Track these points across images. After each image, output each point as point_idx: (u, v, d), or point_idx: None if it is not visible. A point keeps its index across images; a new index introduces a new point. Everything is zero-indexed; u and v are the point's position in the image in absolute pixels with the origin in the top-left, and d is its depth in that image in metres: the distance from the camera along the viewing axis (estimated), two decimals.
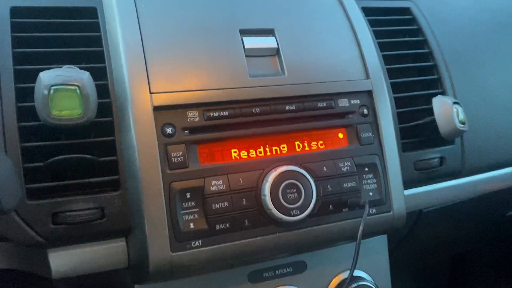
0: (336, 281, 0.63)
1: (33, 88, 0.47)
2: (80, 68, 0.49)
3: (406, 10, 0.74)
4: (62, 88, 0.47)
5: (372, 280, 0.64)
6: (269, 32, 0.59)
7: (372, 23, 0.67)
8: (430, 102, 0.66)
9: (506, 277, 1.17)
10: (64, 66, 0.49)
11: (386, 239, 0.68)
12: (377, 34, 0.67)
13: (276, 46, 0.58)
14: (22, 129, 0.49)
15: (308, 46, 0.60)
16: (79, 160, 0.50)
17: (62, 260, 0.52)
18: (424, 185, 0.68)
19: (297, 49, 0.59)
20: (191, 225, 0.50)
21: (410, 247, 0.87)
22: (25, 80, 0.51)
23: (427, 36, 0.71)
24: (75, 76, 0.48)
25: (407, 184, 0.63)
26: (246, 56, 0.56)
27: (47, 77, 0.47)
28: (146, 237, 0.49)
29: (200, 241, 0.50)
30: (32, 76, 0.48)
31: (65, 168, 0.50)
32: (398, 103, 0.65)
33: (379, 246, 0.68)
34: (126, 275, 0.57)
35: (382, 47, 0.67)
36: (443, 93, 0.68)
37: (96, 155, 0.51)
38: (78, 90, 0.47)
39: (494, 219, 0.94)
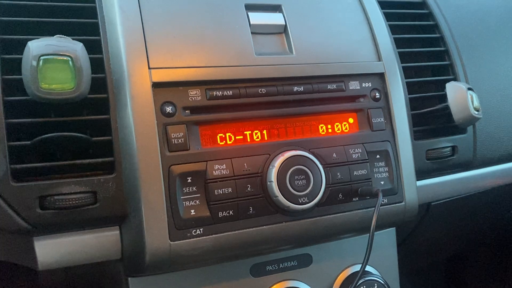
0: (343, 275, 0.60)
1: (20, 59, 0.43)
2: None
3: None
4: (53, 59, 0.43)
5: (380, 275, 0.61)
6: (276, 8, 0.55)
7: (382, 6, 0.64)
8: (441, 89, 0.63)
9: (499, 281, 1.15)
10: (56, 36, 0.44)
11: (394, 233, 0.65)
12: (387, 17, 0.64)
13: (283, 23, 0.54)
14: (8, 104, 0.45)
15: (317, 24, 0.56)
16: (70, 139, 0.45)
17: (49, 250, 0.48)
18: (434, 176, 0.65)
19: (305, 27, 0.55)
20: (192, 212, 0.46)
21: (414, 245, 0.84)
22: (11, 50, 0.47)
23: (438, 21, 0.68)
24: (68, 46, 0.44)
25: (418, 175, 0.60)
26: (252, 33, 0.53)
27: (36, 46, 0.43)
28: (143, 224, 0.45)
29: (201, 229, 0.46)
30: (20, 47, 0.44)
31: (54, 148, 0.46)
32: (409, 89, 0.62)
33: (387, 240, 0.65)
34: (119, 267, 0.52)
35: (393, 30, 0.64)
36: (455, 79, 0.65)
37: (89, 134, 0.47)
38: (70, 62, 0.43)
39: (500, 216, 0.92)
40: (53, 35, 0.46)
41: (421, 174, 0.62)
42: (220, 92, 0.49)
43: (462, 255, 1.19)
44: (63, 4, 0.50)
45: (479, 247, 1.15)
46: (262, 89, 0.51)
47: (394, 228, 0.64)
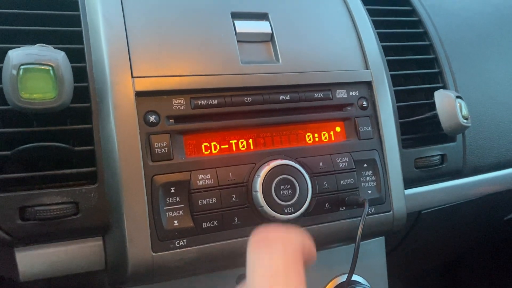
0: (331, 285, 0.59)
1: (0, 69, 0.43)
2: (55, 49, 0.45)
3: (406, 1, 0.71)
4: (34, 68, 0.42)
5: (368, 285, 0.60)
6: (262, 16, 0.55)
7: (370, 13, 0.64)
8: (430, 97, 0.62)
9: (496, 286, 1.15)
10: (37, 45, 0.44)
11: (383, 242, 0.64)
12: (376, 24, 0.63)
13: (270, 31, 0.54)
14: None
15: (304, 32, 0.56)
16: (51, 149, 0.45)
17: (31, 261, 0.47)
18: (424, 185, 0.64)
19: (292, 35, 0.55)
20: (175, 223, 0.46)
21: (405, 253, 0.84)
22: None
23: (427, 28, 0.68)
24: (49, 55, 0.43)
25: (407, 183, 0.59)
26: (237, 41, 0.52)
27: (16, 55, 0.42)
28: (125, 235, 0.44)
29: (185, 240, 0.46)
30: (0, 56, 0.44)
31: (36, 158, 0.46)
32: (397, 97, 0.61)
33: (376, 249, 0.64)
34: (103, 277, 0.52)
35: (381, 37, 0.63)
36: (444, 87, 0.65)
37: (71, 144, 0.46)
38: (51, 71, 0.42)
39: (492, 223, 0.92)
40: (35, 43, 0.45)
41: (410, 182, 0.61)
42: (205, 101, 0.49)
43: (455, 263, 1.19)
44: (46, 12, 0.50)
45: (472, 254, 1.14)
46: (248, 98, 0.51)
47: (383, 237, 0.63)
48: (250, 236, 0.27)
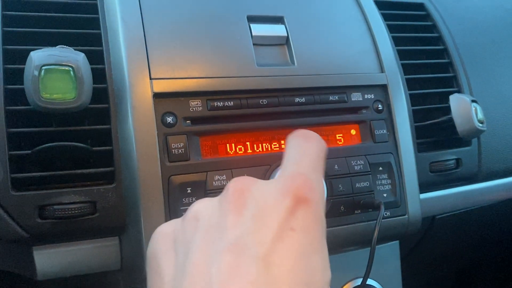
0: None
1: (23, 70, 0.43)
2: (76, 50, 0.45)
3: (420, 6, 0.71)
4: (55, 69, 0.43)
5: None
6: (278, 20, 0.55)
7: (385, 17, 0.64)
8: (444, 101, 0.62)
9: None
10: (58, 46, 0.45)
11: (398, 246, 0.64)
12: (390, 29, 0.64)
13: (285, 34, 0.54)
14: (9, 113, 0.45)
15: (319, 36, 0.56)
16: (70, 149, 0.45)
17: (48, 260, 0.47)
18: (438, 189, 0.64)
19: (307, 38, 0.55)
20: None
21: (419, 258, 0.83)
22: (14, 61, 0.47)
23: (442, 33, 0.68)
24: (69, 56, 0.44)
25: (422, 188, 0.59)
26: (253, 44, 0.53)
27: (38, 56, 0.43)
28: (142, 235, 0.44)
29: None
30: (23, 57, 0.44)
31: (55, 158, 0.46)
32: (412, 101, 0.61)
33: (390, 254, 0.63)
34: (118, 277, 0.52)
35: (396, 41, 0.63)
36: (459, 91, 0.65)
37: (90, 144, 0.47)
38: (72, 72, 0.43)
39: (508, 229, 0.90)
40: (56, 45, 0.46)
41: (425, 186, 0.61)
42: (221, 103, 0.49)
43: (470, 270, 1.17)
44: (67, 15, 0.51)
45: (488, 262, 1.13)
46: (264, 100, 0.51)
47: (398, 241, 0.63)
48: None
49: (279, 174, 0.28)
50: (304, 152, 0.29)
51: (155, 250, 0.29)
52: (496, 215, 0.79)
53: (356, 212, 0.52)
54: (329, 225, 0.50)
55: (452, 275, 1.17)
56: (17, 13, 0.49)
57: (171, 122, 0.47)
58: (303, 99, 0.52)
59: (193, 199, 0.46)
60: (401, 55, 0.63)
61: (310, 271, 0.24)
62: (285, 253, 0.24)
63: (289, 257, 0.24)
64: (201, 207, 0.28)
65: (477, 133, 0.59)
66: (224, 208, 0.26)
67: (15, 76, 0.46)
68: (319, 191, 0.27)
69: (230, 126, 0.49)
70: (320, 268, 0.25)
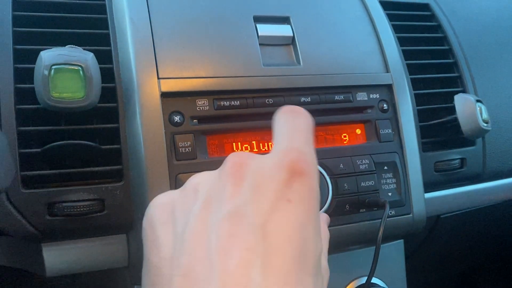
0: (350, 287, 0.59)
1: (33, 69, 0.44)
2: (85, 50, 0.46)
3: (425, 6, 0.71)
4: (64, 68, 0.43)
5: None
6: (284, 20, 0.56)
7: (390, 18, 0.64)
8: (449, 101, 0.63)
9: None
10: (67, 46, 0.46)
11: (402, 245, 0.64)
12: (396, 29, 0.64)
13: (291, 34, 0.55)
14: (20, 112, 0.46)
15: (325, 36, 0.57)
16: (79, 147, 0.46)
17: (57, 257, 0.48)
18: (443, 189, 0.64)
19: (313, 38, 0.56)
20: None
21: (423, 258, 0.83)
22: (25, 60, 0.48)
23: (447, 33, 0.68)
24: (79, 56, 0.44)
25: (426, 187, 0.59)
26: (260, 44, 0.53)
27: (48, 56, 0.43)
28: None
29: None
30: (33, 57, 0.45)
31: (64, 156, 0.47)
32: (417, 100, 0.62)
33: (395, 253, 0.64)
34: (125, 274, 0.53)
35: (401, 42, 0.64)
36: (463, 91, 0.65)
37: (98, 142, 0.47)
38: (81, 71, 0.44)
39: (511, 229, 0.90)
40: (65, 45, 0.47)
41: (429, 186, 0.61)
42: (228, 102, 0.50)
43: (475, 270, 1.17)
44: (76, 15, 0.51)
45: (492, 262, 1.13)
46: (269, 100, 0.51)
47: (402, 240, 0.63)
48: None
49: (273, 148, 0.29)
50: (294, 127, 0.29)
51: (153, 221, 0.30)
52: (501, 215, 0.80)
53: (361, 211, 0.53)
54: (334, 223, 0.51)
55: (457, 275, 1.18)
56: (27, 13, 0.50)
57: (178, 121, 0.48)
58: (309, 98, 0.53)
59: None
60: (406, 55, 0.63)
61: (304, 241, 0.25)
62: (282, 223, 0.25)
63: (285, 227, 0.25)
64: (201, 180, 0.29)
65: (481, 132, 0.59)
66: (223, 180, 0.27)
67: (26, 75, 0.47)
68: (313, 163, 0.28)
69: (236, 125, 0.50)
70: (314, 238, 0.26)
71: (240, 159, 0.28)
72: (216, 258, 0.23)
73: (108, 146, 0.48)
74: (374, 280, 0.61)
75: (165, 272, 0.27)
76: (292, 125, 0.30)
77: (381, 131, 0.55)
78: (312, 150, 0.29)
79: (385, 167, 0.55)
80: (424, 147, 0.61)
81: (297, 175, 0.26)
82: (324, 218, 0.45)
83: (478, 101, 0.60)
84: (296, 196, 0.26)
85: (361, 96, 0.55)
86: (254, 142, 0.51)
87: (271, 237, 0.24)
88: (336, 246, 0.54)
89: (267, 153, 0.50)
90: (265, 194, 0.26)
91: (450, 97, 0.62)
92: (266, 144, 0.51)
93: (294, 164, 0.26)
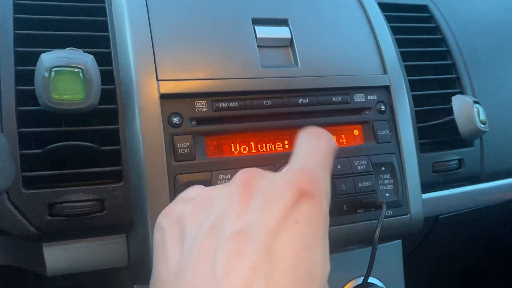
0: (348, 287, 0.59)
1: (33, 71, 0.45)
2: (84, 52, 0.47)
3: (423, 8, 0.71)
4: (64, 71, 0.44)
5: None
6: (282, 22, 0.56)
7: (388, 19, 0.65)
8: (447, 102, 0.63)
9: None
10: (67, 48, 0.46)
11: (400, 245, 0.65)
12: (393, 30, 0.64)
13: (289, 36, 0.55)
14: (21, 114, 0.46)
15: (323, 38, 0.57)
16: (79, 148, 0.47)
17: (57, 256, 0.49)
18: (441, 189, 0.65)
19: (311, 40, 0.56)
20: None
21: (422, 259, 0.84)
22: (25, 62, 0.48)
23: (445, 34, 0.69)
24: (79, 58, 0.45)
25: (424, 187, 0.60)
26: (258, 46, 0.54)
27: (48, 58, 0.44)
28: (148, 232, 0.46)
29: None
30: (33, 59, 0.46)
31: (64, 157, 0.47)
32: (415, 102, 0.62)
33: (393, 253, 0.64)
34: (125, 274, 0.53)
35: (399, 43, 0.64)
36: (461, 92, 0.65)
37: (98, 144, 0.48)
38: (81, 73, 0.44)
39: (509, 229, 0.91)
40: (65, 47, 0.47)
41: (427, 187, 0.62)
42: (226, 104, 0.50)
43: (473, 271, 1.17)
44: (76, 18, 0.52)
45: (491, 262, 1.13)
46: (268, 101, 0.52)
47: (400, 240, 0.64)
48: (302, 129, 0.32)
49: (287, 168, 0.29)
50: (313, 149, 0.30)
51: (164, 234, 0.30)
52: (498, 215, 0.80)
53: (358, 211, 0.53)
54: (331, 224, 0.52)
55: (455, 276, 1.18)
56: (28, 16, 0.51)
57: (177, 122, 0.48)
58: (307, 100, 0.53)
59: None
60: (404, 56, 0.64)
61: (311, 262, 0.25)
62: (288, 244, 0.25)
63: (291, 248, 0.25)
64: (211, 195, 0.29)
65: (479, 134, 0.60)
66: (233, 197, 0.27)
67: (26, 77, 0.48)
68: (324, 187, 0.28)
69: (234, 127, 0.51)
70: (321, 261, 0.26)
71: (250, 176, 0.28)
72: (220, 276, 0.23)
73: (107, 147, 0.48)
74: (373, 280, 0.62)
75: (170, 286, 0.27)
76: (311, 147, 0.30)
77: (379, 132, 0.56)
78: (327, 174, 0.29)
79: (383, 168, 0.55)
80: (422, 148, 0.62)
81: (306, 197, 0.26)
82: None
83: (475, 102, 0.60)
84: (304, 217, 0.26)
85: (359, 98, 0.56)
86: (252, 143, 0.51)
87: (277, 257, 0.24)
88: (334, 246, 0.54)
89: (265, 154, 0.51)
90: (272, 213, 0.25)
91: (447, 98, 0.63)
92: (264, 145, 0.52)
93: (304, 184, 0.26)
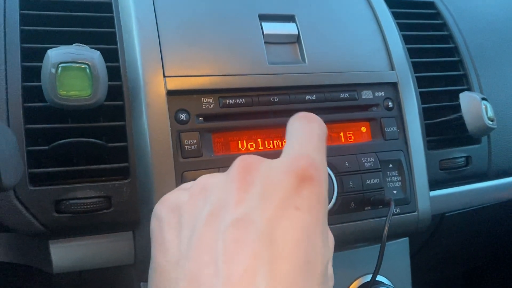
0: (355, 285, 0.59)
1: (40, 67, 0.44)
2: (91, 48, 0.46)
3: (430, 4, 0.71)
4: (71, 67, 0.44)
5: (392, 285, 0.60)
6: (289, 18, 0.56)
7: (395, 16, 0.64)
8: (454, 99, 0.63)
9: None
10: (74, 44, 0.46)
11: (407, 243, 0.64)
12: (401, 27, 0.64)
13: (296, 33, 0.55)
14: (27, 110, 0.46)
15: (330, 34, 0.57)
16: (86, 145, 0.46)
17: (64, 253, 0.49)
18: (448, 187, 0.64)
19: (318, 37, 0.56)
20: None
21: (428, 256, 0.83)
22: (32, 59, 0.48)
23: (452, 31, 0.68)
24: (85, 54, 0.45)
25: (431, 185, 0.59)
26: (265, 42, 0.53)
27: (55, 54, 0.44)
28: None
29: None
30: (40, 55, 0.45)
31: (71, 153, 0.47)
32: (422, 99, 0.62)
33: (400, 250, 0.64)
34: (131, 272, 0.53)
35: (406, 40, 0.64)
36: (469, 89, 0.65)
37: (105, 140, 0.48)
38: (88, 69, 0.44)
39: None
40: (72, 43, 0.47)
41: (434, 184, 0.61)
42: (233, 100, 0.50)
43: (480, 269, 1.17)
44: (82, 14, 0.52)
45: (498, 260, 1.12)
46: (275, 98, 0.52)
47: (407, 238, 0.63)
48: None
49: (283, 154, 0.29)
50: (306, 134, 0.29)
51: (161, 223, 0.30)
52: (506, 213, 0.79)
53: (366, 208, 0.53)
54: (339, 221, 0.52)
55: (462, 274, 1.17)
56: (34, 12, 0.50)
57: (184, 119, 0.48)
58: (314, 96, 0.53)
59: None
60: (411, 53, 0.63)
61: (311, 249, 0.25)
62: (289, 230, 0.24)
63: (293, 234, 0.24)
64: (209, 183, 0.29)
65: (487, 131, 0.59)
66: (231, 184, 0.26)
67: (33, 73, 0.48)
68: (323, 171, 0.27)
69: (241, 123, 0.50)
70: (321, 247, 0.25)
71: (248, 163, 0.27)
72: (222, 264, 0.23)
73: (114, 144, 0.48)
74: (379, 278, 0.61)
75: (171, 275, 0.27)
76: (305, 132, 0.29)
77: (386, 129, 0.55)
78: (323, 158, 0.28)
79: (390, 165, 0.55)
80: (429, 145, 0.61)
81: (306, 182, 0.26)
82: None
83: (483, 99, 0.60)
84: (305, 203, 0.25)
85: (366, 94, 0.55)
86: (259, 140, 0.51)
87: (278, 244, 0.24)
88: (341, 244, 0.54)
89: (272, 151, 0.51)
90: (273, 200, 0.25)
91: (455, 95, 0.62)
92: (271, 142, 0.51)
93: (304, 170, 0.26)
